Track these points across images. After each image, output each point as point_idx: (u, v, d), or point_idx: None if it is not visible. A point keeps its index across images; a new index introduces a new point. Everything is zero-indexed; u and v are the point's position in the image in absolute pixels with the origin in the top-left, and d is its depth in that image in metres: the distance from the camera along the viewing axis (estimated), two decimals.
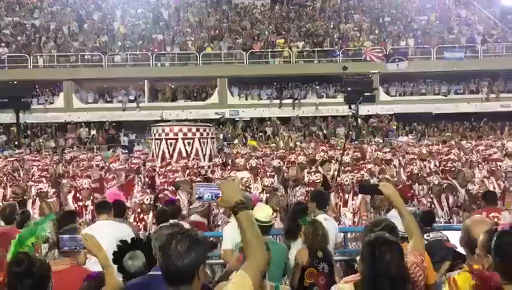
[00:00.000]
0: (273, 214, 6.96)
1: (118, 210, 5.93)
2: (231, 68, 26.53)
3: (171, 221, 5.54)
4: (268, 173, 8.71)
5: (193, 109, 26.07)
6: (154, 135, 12.78)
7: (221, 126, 24.77)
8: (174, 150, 12.17)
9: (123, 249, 3.00)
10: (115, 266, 2.93)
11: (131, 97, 27.10)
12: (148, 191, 7.90)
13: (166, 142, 12.28)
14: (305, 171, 8.78)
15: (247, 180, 7.88)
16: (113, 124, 25.40)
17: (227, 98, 26.67)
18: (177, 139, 12.24)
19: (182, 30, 28.94)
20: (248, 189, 7.51)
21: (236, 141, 21.66)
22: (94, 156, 14.12)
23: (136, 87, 27.57)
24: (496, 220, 4.84)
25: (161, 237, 2.80)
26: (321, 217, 5.00)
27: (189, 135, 12.34)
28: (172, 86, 28.42)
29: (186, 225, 5.00)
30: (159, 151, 12.32)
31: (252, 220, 2.21)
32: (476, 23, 29.78)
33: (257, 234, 2.18)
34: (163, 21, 30.21)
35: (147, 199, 6.98)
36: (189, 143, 12.24)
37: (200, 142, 12.36)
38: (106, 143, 22.83)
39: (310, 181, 7.90)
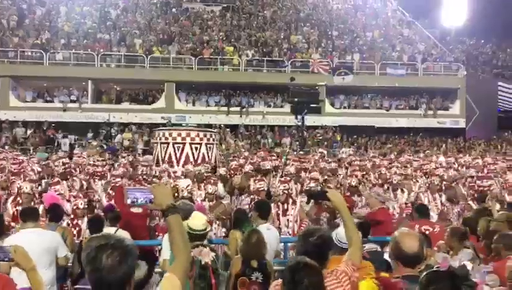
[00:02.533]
0: (216, 222, 6.92)
1: (54, 214, 5.66)
2: (179, 73, 26.24)
3: (108, 229, 5.32)
4: (212, 180, 8.58)
5: (139, 112, 25.51)
6: (160, 139, 12.73)
7: None
8: (181, 154, 12.23)
9: None
10: None
11: (73, 97, 26.05)
12: (81, 195, 7.55)
13: (173, 147, 12.31)
14: (251, 179, 8.75)
15: (190, 188, 7.73)
16: (52, 124, 24.26)
17: (175, 103, 26.30)
18: (184, 144, 12.31)
19: (130, 31, 28.26)
20: (191, 195, 7.37)
21: None
22: (29, 158, 13.22)
23: (79, 87, 26.53)
24: (427, 233, 5.01)
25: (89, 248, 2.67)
26: (264, 227, 4.99)
27: (197, 140, 12.46)
28: (118, 88, 27.64)
29: (125, 234, 4.81)
30: (165, 156, 12.31)
31: (180, 224, 2.31)
32: (417, 42, 31.34)
33: (185, 238, 2.29)
34: (111, 21, 29.37)
35: (81, 204, 6.74)
36: (196, 148, 12.35)
37: (206, 147, 12.50)
38: (44, 144, 21.72)
39: (254, 189, 7.88)
